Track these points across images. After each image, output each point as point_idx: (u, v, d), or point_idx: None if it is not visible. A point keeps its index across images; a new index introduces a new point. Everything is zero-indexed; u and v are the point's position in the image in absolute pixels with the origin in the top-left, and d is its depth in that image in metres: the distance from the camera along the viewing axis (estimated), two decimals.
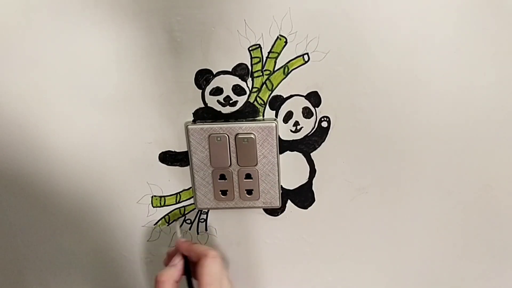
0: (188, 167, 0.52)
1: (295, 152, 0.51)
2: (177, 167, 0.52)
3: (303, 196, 0.53)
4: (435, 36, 0.44)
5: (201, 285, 0.44)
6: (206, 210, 0.55)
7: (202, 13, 0.44)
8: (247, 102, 0.48)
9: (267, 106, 0.49)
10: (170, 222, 0.55)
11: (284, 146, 0.50)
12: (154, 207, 0.54)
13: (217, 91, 0.48)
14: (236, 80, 0.47)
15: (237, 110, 0.49)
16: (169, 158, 0.52)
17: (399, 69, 0.46)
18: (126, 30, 0.45)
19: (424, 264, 0.56)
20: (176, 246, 0.50)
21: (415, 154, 0.50)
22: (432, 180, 0.51)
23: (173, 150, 0.51)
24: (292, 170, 0.51)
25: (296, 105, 0.48)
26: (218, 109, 0.49)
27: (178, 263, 0.48)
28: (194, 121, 0.50)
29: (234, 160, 0.50)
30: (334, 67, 0.46)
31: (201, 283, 0.44)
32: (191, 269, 0.48)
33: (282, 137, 0.50)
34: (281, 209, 0.54)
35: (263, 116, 0.49)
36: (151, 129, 0.50)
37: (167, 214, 0.55)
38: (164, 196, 0.54)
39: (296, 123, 0.49)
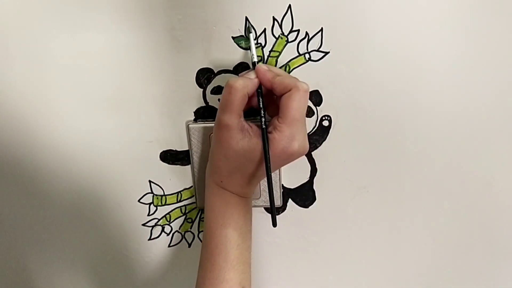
0: (189, 166, 0.52)
1: None
2: (178, 166, 0.52)
3: (304, 195, 0.53)
4: (437, 35, 0.44)
5: (286, 118, 0.40)
6: None
7: (203, 12, 0.44)
8: None
9: None
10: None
11: None
12: (155, 206, 0.54)
13: (218, 90, 0.48)
14: None
15: None
16: (170, 157, 0.52)
17: (400, 68, 0.46)
18: (127, 29, 0.45)
19: (425, 262, 0.56)
20: (256, 72, 0.42)
21: (416, 153, 0.50)
22: (433, 178, 0.51)
23: (174, 149, 0.51)
24: (293, 169, 0.51)
25: None
26: None
27: (254, 79, 0.42)
28: (195, 120, 0.49)
29: None
30: (335, 66, 0.46)
31: (286, 116, 0.40)
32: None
33: None
34: (282, 208, 0.54)
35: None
36: (152, 128, 0.50)
37: (168, 213, 0.55)
38: (165, 195, 0.54)
39: None
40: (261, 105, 0.42)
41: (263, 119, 0.41)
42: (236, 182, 0.44)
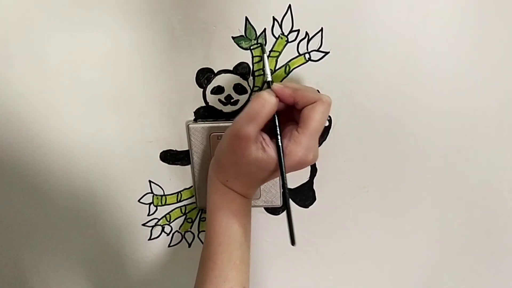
0: (189, 166, 0.52)
1: None
2: (178, 166, 0.52)
3: (304, 195, 0.53)
4: (437, 35, 0.44)
5: (306, 129, 0.39)
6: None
7: (203, 12, 0.44)
8: (248, 101, 0.48)
9: None
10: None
11: None
12: (155, 206, 0.54)
13: (218, 90, 0.48)
14: (237, 79, 0.47)
15: (238, 109, 0.49)
16: (170, 157, 0.52)
17: (400, 68, 0.46)
18: (127, 29, 0.45)
19: (425, 262, 0.56)
20: (274, 92, 0.41)
21: (416, 153, 0.50)
22: (432, 178, 0.51)
23: (174, 149, 0.51)
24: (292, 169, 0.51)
25: None
26: (219, 108, 0.49)
27: (275, 98, 0.40)
28: (195, 120, 0.49)
29: None
30: (335, 66, 0.46)
31: (307, 127, 0.39)
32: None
33: None
34: (282, 208, 0.54)
35: None
36: (152, 128, 0.50)
37: (168, 213, 0.55)
38: (165, 195, 0.54)
39: None
40: (277, 123, 0.42)
41: (279, 137, 0.41)
42: (242, 184, 0.44)
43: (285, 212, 0.54)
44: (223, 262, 0.43)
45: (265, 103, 0.39)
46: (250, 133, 0.39)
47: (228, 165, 0.43)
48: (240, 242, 0.44)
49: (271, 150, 0.40)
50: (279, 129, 0.42)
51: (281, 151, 0.40)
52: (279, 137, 0.41)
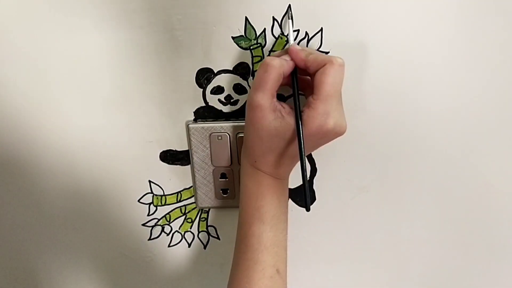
0: (189, 166, 0.52)
1: None
2: (178, 166, 0.52)
3: (304, 195, 0.53)
4: (436, 35, 0.44)
5: (320, 95, 0.39)
6: (207, 209, 0.55)
7: (203, 12, 0.44)
8: None
9: None
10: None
11: None
12: (155, 206, 0.54)
13: (218, 90, 0.48)
14: (237, 79, 0.47)
15: (238, 109, 0.49)
16: (170, 157, 0.52)
17: (400, 68, 0.46)
18: (127, 29, 0.45)
19: (425, 262, 0.56)
20: (289, 53, 0.42)
21: (416, 153, 0.50)
22: (433, 178, 0.51)
23: (174, 149, 0.51)
24: (293, 169, 0.51)
25: None
26: (219, 108, 0.49)
27: (289, 61, 0.41)
28: (195, 120, 0.50)
29: (235, 159, 0.50)
30: None
31: (320, 92, 0.39)
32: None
33: None
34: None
35: None
36: (152, 128, 0.50)
37: (168, 213, 0.55)
38: (165, 195, 0.54)
39: None
40: (295, 85, 0.41)
41: (297, 101, 0.40)
42: (269, 162, 0.43)
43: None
44: (254, 245, 0.43)
45: (268, 67, 0.39)
46: (260, 101, 0.39)
47: (252, 141, 0.42)
48: (271, 224, 0.43)
49: (289, 117, 0.40)
50: (297, 97, 0.41)
51: (298, 115, 0.39)
52: (297, 101, 0.40)
